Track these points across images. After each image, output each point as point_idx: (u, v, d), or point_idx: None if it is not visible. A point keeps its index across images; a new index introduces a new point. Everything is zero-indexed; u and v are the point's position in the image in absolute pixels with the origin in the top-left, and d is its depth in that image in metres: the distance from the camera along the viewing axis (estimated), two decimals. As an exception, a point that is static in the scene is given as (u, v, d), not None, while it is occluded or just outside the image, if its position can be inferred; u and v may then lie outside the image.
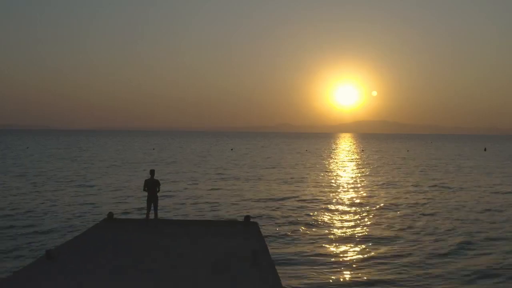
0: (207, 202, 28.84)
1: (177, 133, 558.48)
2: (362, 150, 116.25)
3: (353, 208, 27.78)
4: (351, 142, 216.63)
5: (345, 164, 66.13)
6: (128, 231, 15.27)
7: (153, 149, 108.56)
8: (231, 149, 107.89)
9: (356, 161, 71.79)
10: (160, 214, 23.42)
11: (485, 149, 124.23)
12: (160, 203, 27.73)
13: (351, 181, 42.62)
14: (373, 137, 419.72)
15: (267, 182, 40.05)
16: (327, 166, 61.42)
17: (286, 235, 20.33)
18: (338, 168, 57.44)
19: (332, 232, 21.30)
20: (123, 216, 22.96)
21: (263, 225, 21.04)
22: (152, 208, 16.53)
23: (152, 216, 16.88)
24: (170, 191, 33.58)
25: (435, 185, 40.00)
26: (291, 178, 44.43)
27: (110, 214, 17.26)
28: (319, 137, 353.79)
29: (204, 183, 39.00)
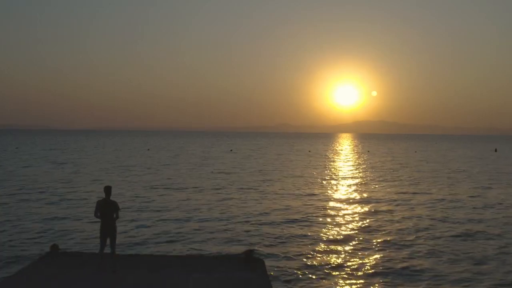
0: (195, 223, 22.73)
1: (177, 133, 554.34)
2: (368, 151, 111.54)
3: (400, 237, 20.31)
4: (353, 142, 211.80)
5: (360, 168, 58.71)
6: (70, 276, 10.43)
7: (148, 149, 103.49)
8: (230, 150, 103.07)
9: (370, 165, 65.36)
10: (129, 244, 17.77)
11: (495, 150, 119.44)
12: (131, 227, 21.30)
13: (381, 193, 34.47)
14: (373, 137, 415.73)
15: (274, 196, 32.58)
16: (340, 171, 53.92)
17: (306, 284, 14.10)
18: (356, 175, 49.48)
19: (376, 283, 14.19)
20: (80, 246, 17.56)
21: (271, 265, 15.50)
22: (108, 242, 11.55)
23: (108, 251, 11.75)
24: (148, 207, 26.99)
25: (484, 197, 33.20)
26: (305, 188, 37.20)
27: (54, 247, 12.48)
28: (319, 137, 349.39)
29: (196, 194, 32.75)
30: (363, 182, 42.38)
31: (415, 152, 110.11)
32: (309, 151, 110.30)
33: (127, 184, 37.72)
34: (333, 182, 42.65)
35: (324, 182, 42.36)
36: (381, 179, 45.26)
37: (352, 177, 47.06)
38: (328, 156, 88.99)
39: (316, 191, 35.60)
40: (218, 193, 33.54)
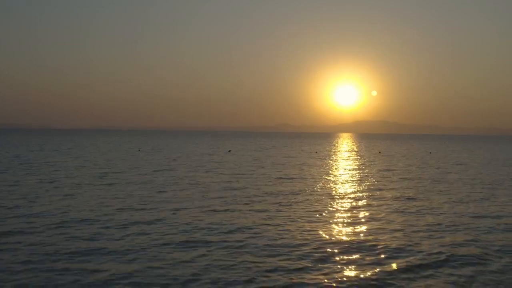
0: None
1: (177, 132, 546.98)
2: (379, 152, 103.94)
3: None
4: (357, 142, 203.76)
5: (399, 176, 46.90)
6: None
7: (139, 150, 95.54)
8: (229, 151, 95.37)
9: (405, 171, 57.23)
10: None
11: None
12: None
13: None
14: (374, 137, 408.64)
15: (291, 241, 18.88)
16: (380, 183, 40.29)
17: None
18: (410, 187, 36.89)
19: None
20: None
21: None
22: None
23: None
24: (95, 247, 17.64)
25: None
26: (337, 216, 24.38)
27: None
28: (320, 137, 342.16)
29: (196, 218, 23.23)
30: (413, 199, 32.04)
31: (430, 153, 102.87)
32: (316, 152, 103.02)
33: (94, 203, 29.90)
34: (369, 202, 29.73)
35: (359, 203, 28.81)
36: (457, 195, 32.81)
37: (411, 194, 33.03)
38: (341, 158, 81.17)
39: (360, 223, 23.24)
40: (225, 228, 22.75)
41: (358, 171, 52.69)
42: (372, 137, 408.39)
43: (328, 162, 68.16)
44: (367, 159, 76.98)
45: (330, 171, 52.26)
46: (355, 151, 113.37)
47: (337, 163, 67.48)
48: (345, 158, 79.85)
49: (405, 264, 16.09)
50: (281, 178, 43.38)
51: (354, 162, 69.21)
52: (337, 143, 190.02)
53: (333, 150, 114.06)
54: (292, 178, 43.09)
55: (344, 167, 58.75)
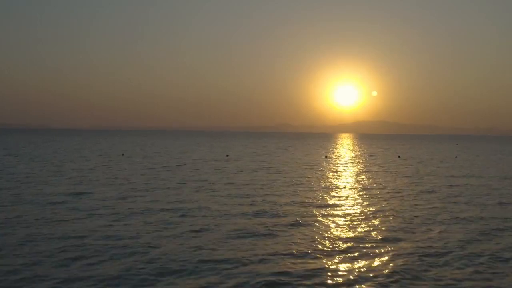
0: None
1: (177, 132, 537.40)
2: (399, 156, 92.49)
3: None
4: (365, 144, 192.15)
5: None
6: None
7: (122, 154, 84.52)
8: (226, 156, 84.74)
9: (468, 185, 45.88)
10: None
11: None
12: None
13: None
14: (375, 137, 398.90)
15: None
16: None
17: None
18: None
19: None
20: None
21: None
22: None
23: None
24: None
25: None
26: None
27: None
28: (321, 138, 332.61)
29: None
30: None
31: (456, 157, 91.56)
32: (326, 156, 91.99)
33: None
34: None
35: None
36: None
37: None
38: (360, 167, 69.39)
39: None
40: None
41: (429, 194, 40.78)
42: (374, 137, 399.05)
43: (360, 173, 56.41)
44: (397, 167, 65.05)
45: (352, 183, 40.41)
46: (372, 155, 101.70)
47: (372, 175, 55.72)
48: (365, 166, 67.98)
49: None
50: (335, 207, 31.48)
51: (389, 173, 57.27)
52: (343, 144, 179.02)
53: (343, 154, 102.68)
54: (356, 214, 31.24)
55: (392, 183, 46.87)
